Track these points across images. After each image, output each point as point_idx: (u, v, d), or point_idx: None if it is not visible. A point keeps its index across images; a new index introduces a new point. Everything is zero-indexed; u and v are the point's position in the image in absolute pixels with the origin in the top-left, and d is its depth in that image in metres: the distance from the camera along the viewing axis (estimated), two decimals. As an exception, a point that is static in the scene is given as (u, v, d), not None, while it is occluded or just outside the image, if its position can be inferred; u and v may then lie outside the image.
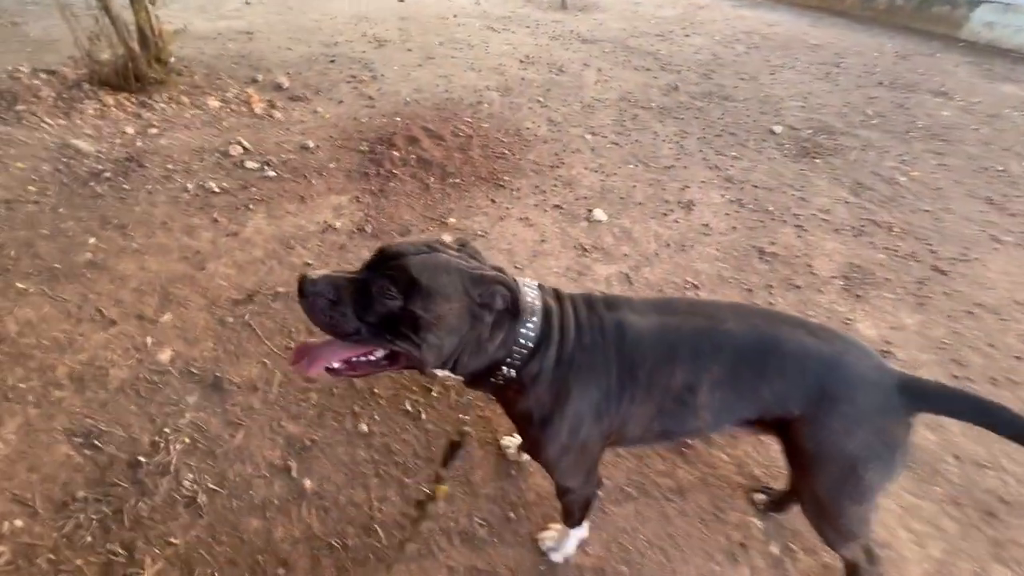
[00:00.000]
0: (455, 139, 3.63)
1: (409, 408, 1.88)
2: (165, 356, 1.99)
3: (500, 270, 1.06)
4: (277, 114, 3.84)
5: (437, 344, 1.00)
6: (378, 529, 1.53)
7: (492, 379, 1.10)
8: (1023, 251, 2.93)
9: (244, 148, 3.33)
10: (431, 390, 1.94)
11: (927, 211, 3.26)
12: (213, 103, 3.88)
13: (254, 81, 4.28)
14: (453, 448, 1.29)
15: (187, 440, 1.73)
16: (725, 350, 1.07)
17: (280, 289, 2.32)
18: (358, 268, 1.08)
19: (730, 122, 4.27)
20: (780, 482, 1.66)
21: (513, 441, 1.73)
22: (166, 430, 1.75)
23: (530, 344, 1.08)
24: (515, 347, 1.07)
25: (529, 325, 1.08)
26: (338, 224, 2.77)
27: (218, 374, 1.94)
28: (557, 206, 3.08)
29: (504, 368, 1.08)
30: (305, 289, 0.97)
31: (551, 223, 2.93)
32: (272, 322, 2.17)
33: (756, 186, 3.42)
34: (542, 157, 3.58)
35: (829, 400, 1.04)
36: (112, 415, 1.78)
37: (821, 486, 1.11)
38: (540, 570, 1.46)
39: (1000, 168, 3.77)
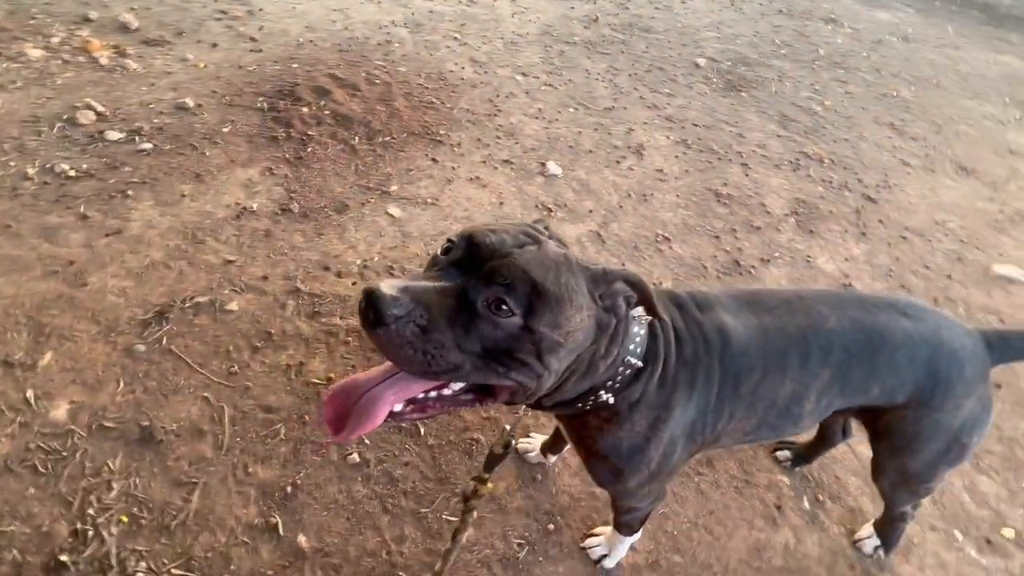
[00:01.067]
0: (372, 88, 3.12)
1: (404, 424, 1.61)
2: (60, 412, 1.51)
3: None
4: (132, 64, 3.01)
5: (558, 369, 0.77)
6: (404, 576, 1.31)
7: (580, 405, 0.89)
8: (930, 173, 3.22)
9: (98, 113, 2.57)
10: (423, 397, 1.69)
11: (846, 140, 3.44)
12: (34, 52, 2.92)
13: (86, 20, 3.29)
14: (496, 459, 1.08)
15: (124, 519, 1.34)
16: (834, 352, 0.96)
17: (201, 298, 1.85)
18: (431, 267, 0.79)
19: (656, 56, 4.14)
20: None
21: (532, 442, 1.56)
22: (90, 512, 1.34)
23: (638, 363, 0.87)
24: (621, 367, 0.86)
25: (637, 339, 0.87)
26: (254, 205, 2.26)
27: (144, 423, 1.51)
28: (507, 161, 2.79)
29: (602, 393, 0.87)
30: (384, 313, 0.65)
31: (505, 182, 2.66)
32: (201, 343, 1.73)
33: (696, 124, 3.37)
34: (475, 104, 3.21)
35: (940, 385, 0.99)
36: (3, 507, 1.32)
37: (919, 462, 1.09)
38: (595, 580, 1.36)
39: (894, 94, 4.09)
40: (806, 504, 1.56)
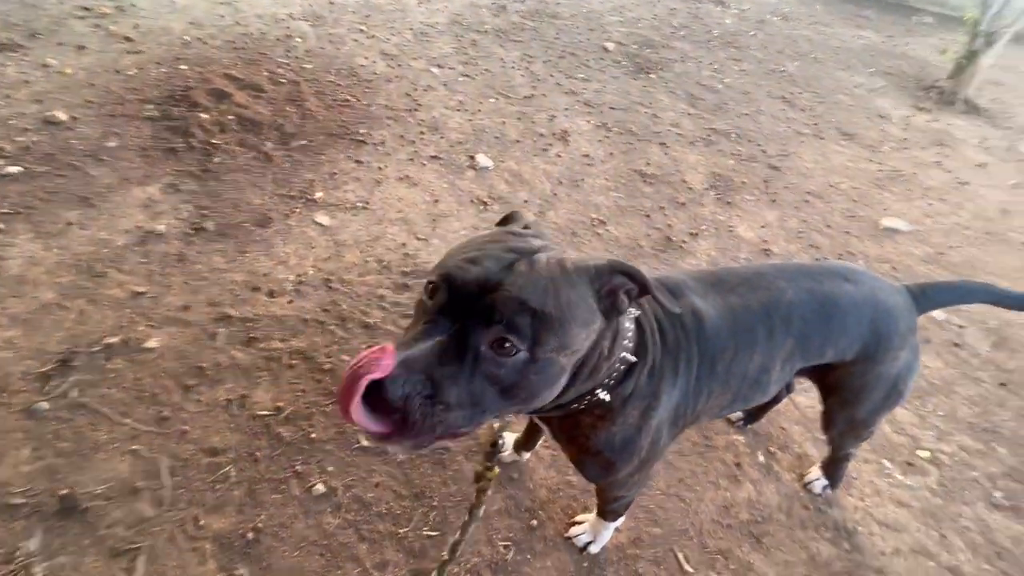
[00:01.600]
0: (278, 88, 2.89)
1: (367, 443, 1.53)
2: (-51, 496, 1.27)
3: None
4: (-23, 74, 2.57)
5: (564, 383, 0.75)
6: (393, 603, 1.26)
7: (575, 405, 0.88)
8: (820, 140, 3.55)
9: (-60, 134, 2.17)
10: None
11: (747, 114, 3.70)
12: None
13: (-94, 23, 2.76)
14: (492, 455, 1.05)
15: (55, 605, 1.16)
16: (794, 322, 1.02)
17: (112, 339, 1.63)
18: (419, 317, 0.73)
19: (567, 42, 4.20)
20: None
21: (505, 441, 1.54)
22: (9, 606, 1.14)
23: (631, 358, 0.87)
24: (617, 363, 0.86)
25: (628, 334, 0.87)
26: (160, 227, 2.02)
27: (62, 491, 1.31)
28: (435, 157, 2.71)
29: (599, 391, 0.86)
30: (390, 398, 0.61)
31: (436, 178, 2.58)
32: (120, 390, 1.53)
33: (613, 108, 3.47)
34: (393, 99, 3.08)
35: (882, 340, 1.09)
36: None
37: (864, 410, 1.19)
38: (584, 567, 1.37)
39: (782, 69, 4.45)
40: (761, 458, 1.68)
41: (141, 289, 1.79)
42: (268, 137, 2.56)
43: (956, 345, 2.20)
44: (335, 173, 2.46)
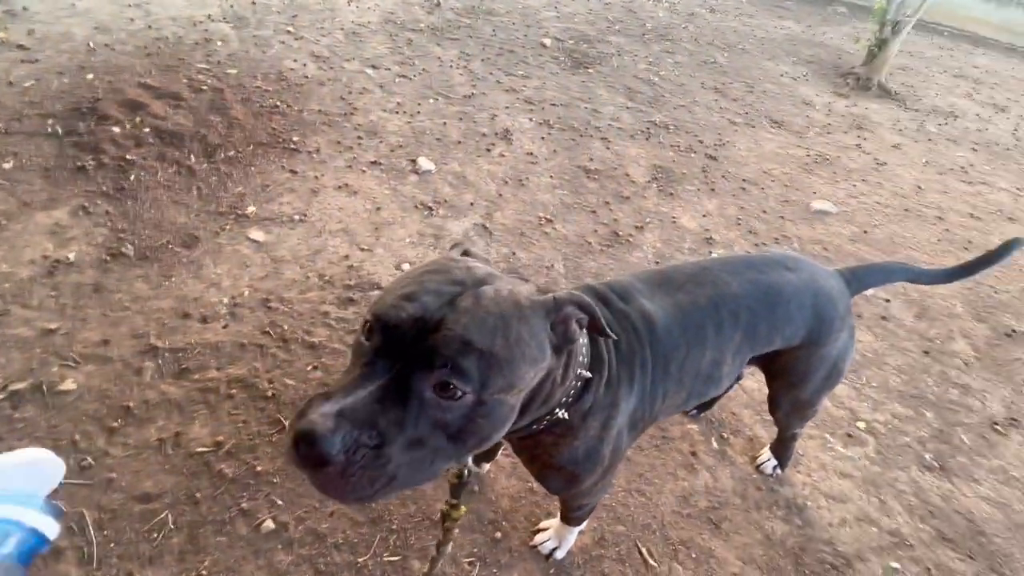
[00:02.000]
0: (199, 96, 2.71)
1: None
2: None
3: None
4: None
5: (514, 417, 0.72)
6: (355, 637, 1.20)
7: (534, 427, 0.85)
8: (752, 128, 3.69)
9: None
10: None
11: (683, 106, 3.81)
12: None
13: None
14: (458, 488, 1.01)
15: None
16: (742, 315, 1.04)
17: (19, 385, 1.47)
18: (357, 358, 0.67)
19: (504, 39, 4.18)
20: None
21: (472, 470, 1.50)
22: None
23: (587, 374, 0.85)
24: (573, 381, 0.83)
25: (583, 350, 0.85)
26: (70, 255, 1.85)
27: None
28: (374, 162, 2.63)
29: (557, 410, 0.84)
30: (328, 453, 0.56)
31: (377, 185, 2.50)
32: (33, 439, 1.38)
33: (554, 104, 3.48)
34: (327, 104, 2.96)
35: (824, 324, 1.12)
36: None
37: (809, 391, 1.23)
38: (551, 574, 1.36)
39: (713, 60, 4.60)
40: (715, 444, 1.73)
41: (52, 326, 1.63)
42: (191, 150, 2.39)
43: (884, 319, 2.34)
44: (268, 185, 2.34)
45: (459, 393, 0.63)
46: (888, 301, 2.44)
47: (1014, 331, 2.41)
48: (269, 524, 1.34)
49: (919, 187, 3.44)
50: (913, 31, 4.97)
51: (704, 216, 2.77)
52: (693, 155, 3.26)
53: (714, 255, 2.52)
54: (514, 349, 0.66)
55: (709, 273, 1.08)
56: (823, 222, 2.92)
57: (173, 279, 1.86)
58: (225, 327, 1.75)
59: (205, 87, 2.78)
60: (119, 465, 1.38)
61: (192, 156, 2.36)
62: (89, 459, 1.38)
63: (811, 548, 1.51)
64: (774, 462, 1.64)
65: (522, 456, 0.98)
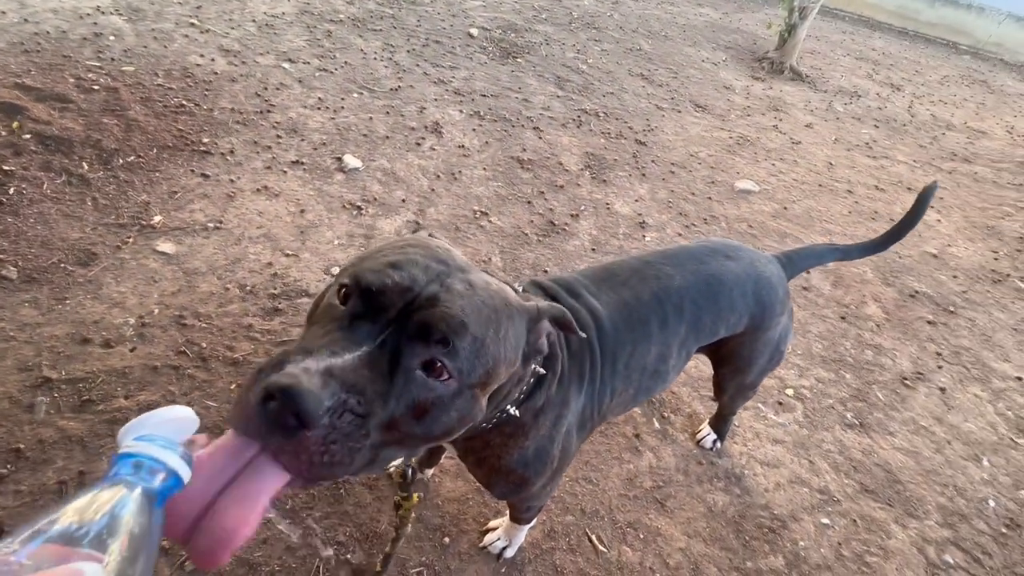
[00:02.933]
0: (90, 97, 2.46)
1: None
2: None
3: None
4: None
5: (477, 418, 0.67)
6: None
7: (484, 425, 0.81)
8: (678, 113, 3.80)
9: None
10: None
11: (612, 93, 3.86)
12: None
13: None
14: (406, 486, 0.97)
15: None
16: (686, 307, 1.04)
17: None
18: (328, 321, 0.60)
19: (430, 29, 4.07)
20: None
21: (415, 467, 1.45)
22: None
23: (541, 370, 0.82)
24: (527, 378, 0.80)
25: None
26: (-61, 282, 1.62)
27: None
28: (296, 162, 2.48)
29: (509, 407, 0.81)
30: (312, 413, 0.48)
31: (300, 186, 2.36)
32: (-101, 500, 1.20)
33: (484, 95, 3.43)
34: (240, 101, 2.76)
35: (766, 310, 1.15)
36: None
37: (753, 374, 1.27)
38: (502, 573, 1.35)
39: (638, 48, 4.70)
40: (656, 424, 1.77)
41: (-82, 365, 1.42)
42: (82, 156, 2.16)
43: (805, 289, 2.48)
44: (176, 192, 2.15)
45: (445, 375, 0.59)
46: (808, 272, 2.58)
47: (917, 292, 2.63)
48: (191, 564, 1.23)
49: (830, 163, 3.67)
50: (818, 16, 5.29)
51: (636, 201, 2.82)
52: (623, 141, 3.31)
53: (648, 239, 2.58)
54: (500, 346, 0.64)
55: (651, 267, 1.07)
56: (747, 201, 3.05)
57: (68, 302, 1.67)
58: (133, 350, 1.59)
59: (97, 87, 2.52)
60: (11, 516, 1.23)
61: (84, 164, 2.13)
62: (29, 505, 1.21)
63: (750, 514, 1.58)
64: (713, 436, 1.70)
65: (468, 459, 0.94)
